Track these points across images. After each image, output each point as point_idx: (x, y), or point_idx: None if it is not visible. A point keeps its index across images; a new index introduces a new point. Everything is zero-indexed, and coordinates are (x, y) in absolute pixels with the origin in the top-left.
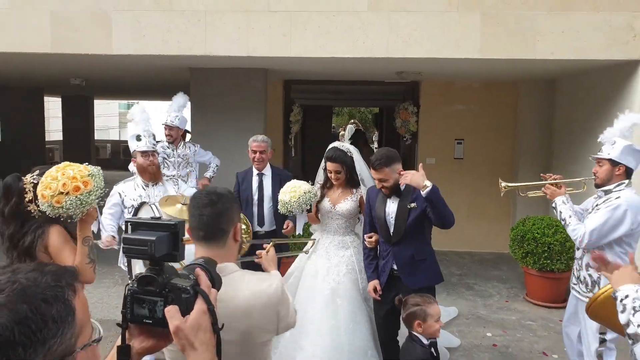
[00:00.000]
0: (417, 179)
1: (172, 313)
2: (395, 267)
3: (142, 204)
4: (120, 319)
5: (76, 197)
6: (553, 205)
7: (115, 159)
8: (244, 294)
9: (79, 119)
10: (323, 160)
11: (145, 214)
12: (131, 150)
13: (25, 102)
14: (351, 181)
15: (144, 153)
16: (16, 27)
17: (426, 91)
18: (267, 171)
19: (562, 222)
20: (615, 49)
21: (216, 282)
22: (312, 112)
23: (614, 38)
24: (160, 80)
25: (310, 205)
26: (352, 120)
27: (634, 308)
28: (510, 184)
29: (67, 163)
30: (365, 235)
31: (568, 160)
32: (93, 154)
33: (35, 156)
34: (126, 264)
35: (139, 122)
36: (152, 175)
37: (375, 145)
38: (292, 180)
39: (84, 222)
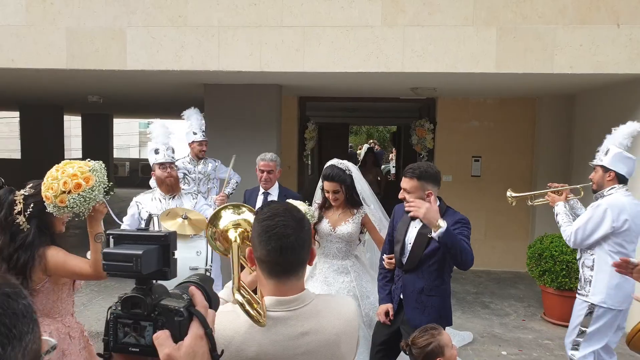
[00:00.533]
0: (432, 215)
1: (162, 340)
2: (402, 296)
3: (150, 218)
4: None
5: (79, 194)
6: (554, 211)
7: (133, 176)
8: (335, 322)
9: (98, 137)
10: (320, 179)
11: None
12: (151, 163)
13: (46, 120)
14: (351, 201)
15: (162, 165)
16: (32, 43)
17: (442, 108)
18: (274, 190)
19: (557, 225)
20: (636, 63)
21: (213, 302)
22: (328, 130)
23: (634, 52)
24: (177, 98)
25: None
26: (371, 141)
27: None
28: (515, 194)
29: (67, 161)
30: (385, 256)
31: (586, 181)
32: (112, 171)
33: None
34: None
35: (157, 136)
36: (170, 187)
37: (392, 164)
38: (288, 200)
39: (92, 219)
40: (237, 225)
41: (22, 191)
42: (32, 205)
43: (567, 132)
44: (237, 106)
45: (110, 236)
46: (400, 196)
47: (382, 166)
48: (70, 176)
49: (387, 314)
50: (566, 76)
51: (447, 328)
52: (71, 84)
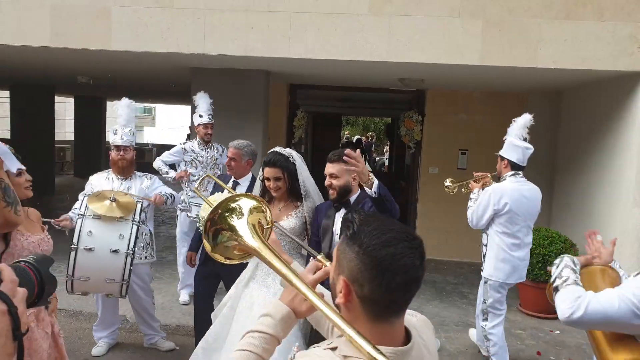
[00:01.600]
0: (366, 172)
1: None
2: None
3: (84, 197)
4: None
5: None
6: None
7: None
8: (432, 347)
9: (91, 119)
10: (260, 169)
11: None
12: (110, 142)
13: (36, 100)
14: (294, 193)
15: (117, 147)
16: (15, 19)
17: (431, 100)
18: (245, 181)
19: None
20: (620, 59)
21: (46, 283)
22: (321, 121)
23: (618, 49)
24: (165, 82)
25: None
26: (370, 133)
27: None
28: (452, 184)
29: None
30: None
31: (570, 177)
32: (104, 154)
33: (43, 155)
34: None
35: (121, 116)
36: (122, 169)
37: (387, 156)
38: (217, 193)
39: None
40: (254, 222)
41: None
42: None
43: (554, 127)
44: (224, 91)
45: None
46: (326, 183)
47: (377, 158)
48: None
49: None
50: (550, 71)
51: None
52: (57, 63)
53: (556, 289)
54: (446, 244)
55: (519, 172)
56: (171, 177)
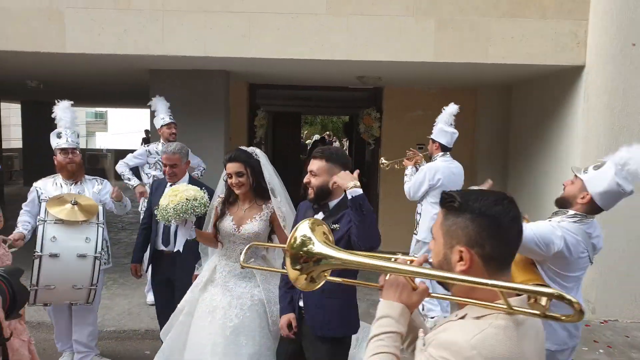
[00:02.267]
0: (344, 177)
1: None
2: (301, 303)
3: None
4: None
5: None
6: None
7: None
8: None
9: (40, 126)
10: (224, 169)
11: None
12: (53, 147)
13: None
14: (259, 191)
15: (63, 150)
16: None
17: (388, 97)
18: (183, 182)
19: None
20: (562, 55)
21: (17, 295)
22: (281, 120)
23: (560, 45)
24: (122, 85)
25: (197, 217)
26: (327, 132)
27: None
28: (386, 161)
29: None
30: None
31: (522, 163)
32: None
33: None
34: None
35: (61, 119)
36: (72, 173)
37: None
38: (182, 183)
39: None
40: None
41: None
42: None
43: (505, 121)
44: (184, 92)
45: None
46: (305, 180)
47: None
48: None
49: (290, 326)
50: (499, 66)
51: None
52: (7, 67)
53: None
54: (409, 237)
55: (447, 152)
56: (132, 185)
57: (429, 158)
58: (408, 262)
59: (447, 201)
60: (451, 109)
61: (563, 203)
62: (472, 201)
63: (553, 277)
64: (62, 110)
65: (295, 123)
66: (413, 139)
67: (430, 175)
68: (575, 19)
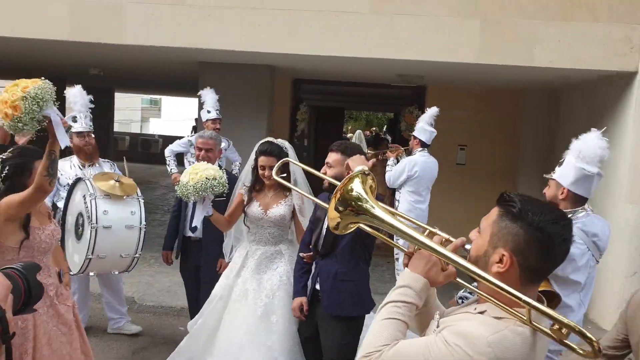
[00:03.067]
0: (356, 160)
1: None
2: (318, 287)
3: (78, 180)
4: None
5: (11, 121)
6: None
7: (133, 151)
8: None
9: (99, 110)
10: (252, 158)
11: (80, 191)
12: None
13: None
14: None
15: (80, 134)
16: (36, 14)
17: (431, 96)
18: None
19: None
20: (613, 60)
21: (33, 290)
22: (324, 114)
23: (611, 49)
24: (174, 75)
25: (216, 196)
26: (373, 128)
27: None
28: (370, 152)
29: (18, 81)
30: (301, 254)
31: None
32: (112, 145)
33: None
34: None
35: (76, 103)
36: (88, 155)
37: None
38: (203, 162)
39: (50, 135)
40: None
41: (1, 155)
42: (7, 167)
43: (552, 125)
44: (230, 85)
45: None
46: (322, 171)
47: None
48: (2, 103)
49: (301, 309)
50: (545, 70)
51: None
52: (72, 56)
53: None
54: (453, 235)
55: (425, 148)
56: (170, 171)
57: (409, 153)
58: (443, 239)
59: (507, 203)
60: (432, 111)
61: None
62: (532, 212)
63: (558, 283)
64: (76, 95)
65: (339, 117)
66: (454, 139)
67: (410, 167)
68: (629, 22)
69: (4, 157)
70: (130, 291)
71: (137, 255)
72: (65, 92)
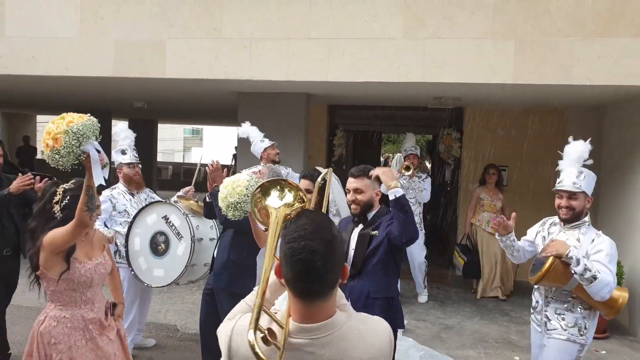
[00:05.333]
0: (388, 175)
1: None
2: None
3: (153, 203)
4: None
5: (51, 152)
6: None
7: (175, 179)
8: (362, 354)
9: (143, 141)
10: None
11: (157, 213)
12: (116, 163)
13: None
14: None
15: (129, 164)
16: (85, 53)
17: (469, 117)
18: None
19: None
20: None
21: None
22: (362, 138)
23: None
24: (214, 105)
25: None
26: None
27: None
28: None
29: (65, 115)
30: None
31: (615, 189)
32: (155, 174)
33: None
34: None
35: (123, 138)
36: (138, 184)
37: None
38: (243, 171)
39: (87, 171)
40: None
41: (64, 185)
42: (68, 197)
43: (596, 143)
44: (267, 113)
45: None
46: (349, 199)
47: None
48: (47, 133)
49: None
50: (585, 88)
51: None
52: (117, 90)
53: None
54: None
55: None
56: None
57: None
58: None
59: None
60: (412, 139)
61: (575, 218)
62: (287, 229)
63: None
64: (124, 131)
65: (376, 141)
66: (495, 160)
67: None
68: None
69: (65, 187)
70: (173, 319)
71: (206, 265)
72: (112, 124)
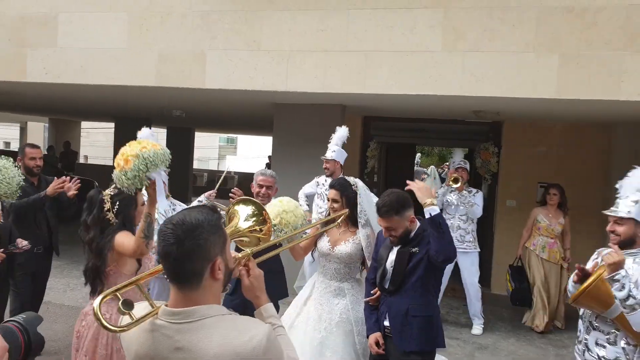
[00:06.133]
0: (424, 192)
1: None
2: (387, 323)
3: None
4: None
5: (119, 171)
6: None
7: (210, 187)
8: (213, 348)
9: (181, 148)
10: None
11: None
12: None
13: (136, 131)
14: (352, 219)
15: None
16: (129, 64)
17: (509, 131)
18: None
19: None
20: None
21: (33, 346)
22: (395, 150)
23: None
24: (250, 115)
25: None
26: (446, 164)
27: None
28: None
29: (143, 141)
30: (366, 299)
31: None
32: (190, 181)
33: None
34: None
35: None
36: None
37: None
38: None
39: (150, 198)
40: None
41: (107, 191)
42: (117, 202)
43: None
44: (303, 125)
45: None
46: (385, 235)
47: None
48: (121, 154)
49: (377, 344)
50: (635, 104)
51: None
52: (158, 99)
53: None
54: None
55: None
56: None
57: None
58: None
59: None
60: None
61: (627, 244)
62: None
63: None
64: (148, 136)
65: (410, 153)
66: (535, 177)
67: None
68: None
69: (112, 193)
70: None
71: None
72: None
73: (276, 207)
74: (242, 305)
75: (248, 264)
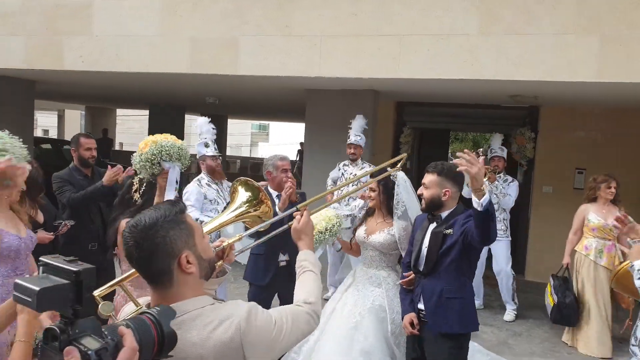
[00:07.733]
0: (481, 177)
1: None
2: (421, 306)
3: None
4: None
5: (137, 153)
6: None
7: (243, 173)
8: (194, 344)
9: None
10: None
11: None
12: (199, 155)
13: (170, 118)
14: (388, 209)
15: (213, 157)
16: (163, 51)
17: (546, 116)
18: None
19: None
20: None
21: (166, 342)
22: (428, 136)
23: None
24: (282, 101)
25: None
26: (480, 149)
27: None
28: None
29: (169, 135)
30: (400, 281)
31: None
32: (224, 168)
33: None
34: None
35: (205, 132)
36: (220, 174)
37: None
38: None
39: (159, 189)
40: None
41: (139, 175)
42: (144, 185)
43: None
44: (335, 110)
45: (40, 264)
46: (419, 192)
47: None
48: (144, 142)
49: (412, 324)
50: None
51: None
52: (192, 86)
53: None
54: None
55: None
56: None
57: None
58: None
59: None
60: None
61: None
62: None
63: None
64: (205, 124)
65: (444, 139)
66: (572, 162)
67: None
68: None
69: (141, 176)
70: None
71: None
72: (184, 118)
73: (321, 223)
74: (268, 298)
75: (303, 212)
